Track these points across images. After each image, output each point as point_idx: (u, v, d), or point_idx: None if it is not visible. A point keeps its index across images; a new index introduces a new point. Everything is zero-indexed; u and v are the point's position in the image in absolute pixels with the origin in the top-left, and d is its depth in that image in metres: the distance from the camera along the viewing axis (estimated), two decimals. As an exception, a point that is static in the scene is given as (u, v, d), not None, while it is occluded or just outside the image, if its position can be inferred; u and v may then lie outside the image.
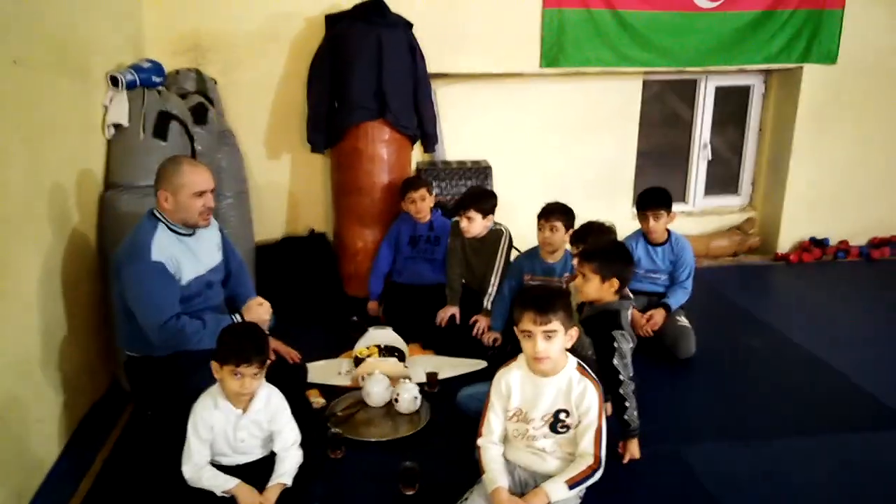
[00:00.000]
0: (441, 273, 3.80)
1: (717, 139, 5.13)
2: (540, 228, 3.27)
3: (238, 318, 2.57)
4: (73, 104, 2.88)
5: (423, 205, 3.72)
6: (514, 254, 3.61)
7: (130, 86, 3.16)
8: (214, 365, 2.10)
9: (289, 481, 2.16)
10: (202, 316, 2.49)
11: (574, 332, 2.12)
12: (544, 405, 2.15)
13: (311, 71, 4.03)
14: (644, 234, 3.53)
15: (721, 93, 4.99)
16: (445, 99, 4.41)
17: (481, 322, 3.49)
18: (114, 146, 3.13)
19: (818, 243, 4.96)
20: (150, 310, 2.38)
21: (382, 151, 3.96)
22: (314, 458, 2.34)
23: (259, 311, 2.63)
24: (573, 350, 2.21)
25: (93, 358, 2.95)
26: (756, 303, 4.15)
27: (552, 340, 2.06)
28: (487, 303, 3.51)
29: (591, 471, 2.11)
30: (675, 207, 4.96)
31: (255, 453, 2.23)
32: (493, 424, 2.21)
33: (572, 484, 2.09)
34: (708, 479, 2.47)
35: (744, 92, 5.04)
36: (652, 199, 3.48)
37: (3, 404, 2.19)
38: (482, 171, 4.30)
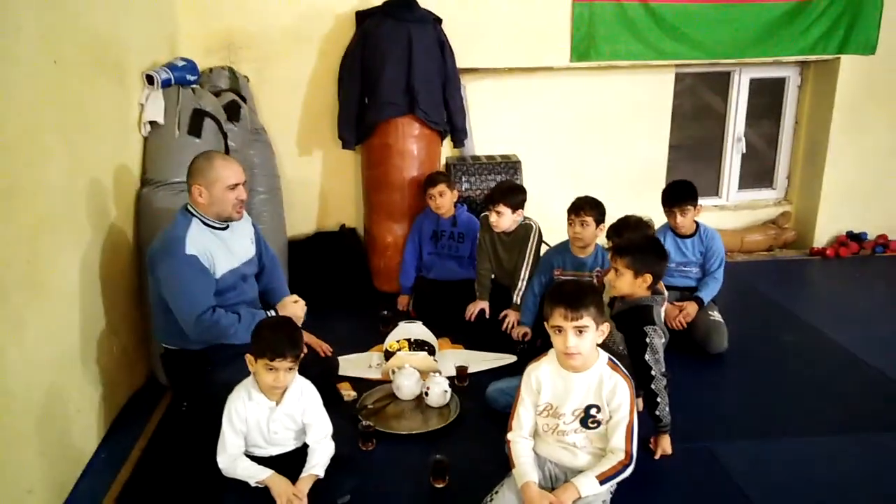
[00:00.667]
0: (468, 269, 3.81)
1: (752, 132, 5.05)
2: (570, 223, 3.25)
3: (273, 314, 2.61)
4: (111, 102, 2.94)
5: (442, 200, 3.73)
6: (543, 248, 3.60)
7: (165, 84, 3.22)
8: (249, 358, 2.14)
9: (321, 472, 2.19)
10: (237, 310, 2.54)
11: (605, 328, 2.11)
12: (575, 400, 2.15)
13: (341, 67, 4.06)
14: (672, 228, 3.50)
15: (755, 85, 4.91)
16: (475, 94, 4.41)
17: (511, 317, 3.49)
18: (150, 143, 3.19)
19: (855, 238, 4.86)
20: (186, 303, 2.43)
21: (412, 147, 3.98)
22: (346, 450, 2.36)
23: (294, 308, 2.68)
24: (604, 345, 2.20)
25: (130, 350, 3.02)
26: (790, 298, 4.08)
27: (583, 336, 2.05)
28: (517, 297, 3.51)
29: (623, 466, 2.10)
30: (709, 202, 5.00)
31: (289, 445, 2.26)
32: (523, 419, 2.22)
33: (603, 479, 2.08)
34: (739, 475, 2.44)
35: (779, 84, 4.95)
36: (678, 195, 3.44)
37: (45, 396, 2.26)
38: (512, 165, 4.29)
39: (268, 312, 2.61)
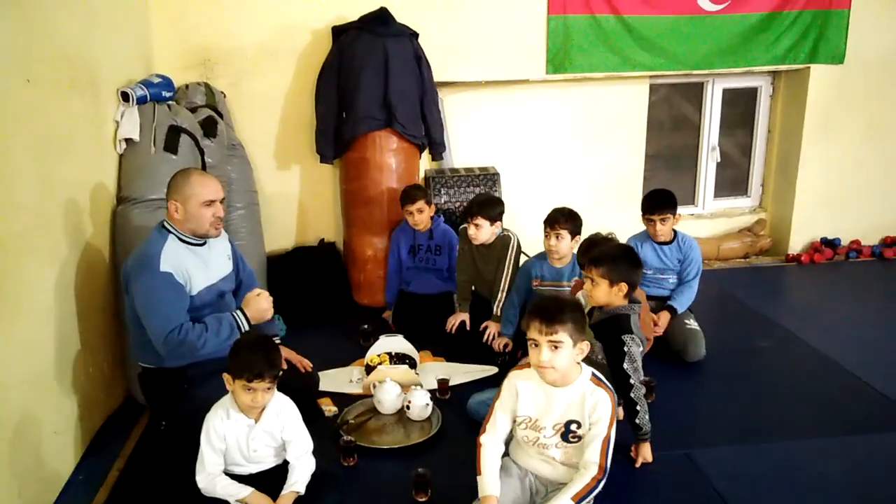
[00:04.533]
0: (447, 282, 3.83)
1: (726, 141, 5.13)
2: (546, 236, 3.27)
3: (239, 314, 2.57)
4: (85, 120, 2.92)
5: (420, 217, 3.74)
6: (522, 259, 3.62)
7: (141, 101, 3.21)
8: (227, 377, 2.12)
9: (302, 489, 2.17)
10: (202, 319, 2.50)
11: (585, 346, 2.09)
12: (555, 415, 2.14)
13: (318, 82, 4.07)
14: (651, 236, 3.53)
15: (728, 95, 4.99)
16: (452, 107, 4.44)
17: (491, 328, 3.50)
18: (125, 161, 3.17)
19: (829, 244, 4.94)
20: (157, 320, 2.40)
21: (391, 160, 3.99)
22: (327, 466, 2.35)
23: (258, 301, 2.62)
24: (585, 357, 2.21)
25: (107, 370, 2.98)
26: (767, 304, 4.13)
27: (558, 351, 2.04)
28: (497, 309, 3.52)
29: (596, 482, 2.07)
30: (685, 210, 5.05)
31: (269, 462, 2.25)
32: (499, 423, 2.19)
33: (578, 499, 2.04)
34: (720, 481, 2.46)
35: (751, 93, 5.04)
36: (658, 203, 3.47)
37: (19, 417, 2.23)
38: (490, 177, 4.31)
39: (234, 314, 2.56)
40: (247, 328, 2.56)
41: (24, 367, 2.29)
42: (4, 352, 2.14)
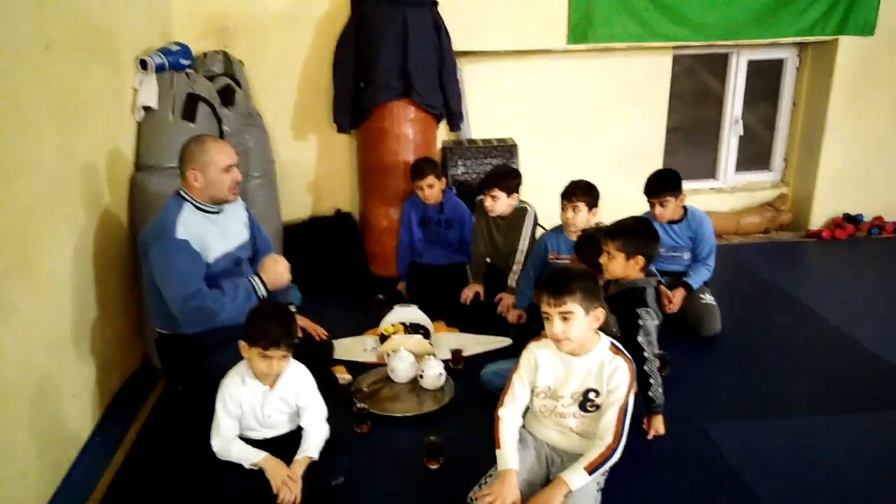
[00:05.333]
0: (457, 254, 3.83)
1: (749, 114, 5.03)
2: (563, 208, 3.24)
3: (256, 279, 2.58)
4: (104, 87, 2.93)
5: (431, 192, 3.72)
6: (539, 231, 3.60)
7: (159, 69, 3.20)
8: (243, 344, 2.14)
9: (315, 455, 2.20)
10: (220, 284, 2.52)
11: (600, 314, 2.08)
12: (574, 384, 2.14)
13: (336, 51, 4.04)
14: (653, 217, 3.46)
15: (753, 66, 4.89)
16: (471, 77, 4.39)
17: (506, 300, 3.50)
18: (144, 128, 3.18)
19: (851, 219, 4.86)
20: (174, 286, 2.42)
21: (408, 130, 3.97)
22: (340, 433, 2.38)
23: (275, 265, 2.64)
24: (600, 328, 2.20)
25: (125, 335, 3.03)
26: (787, 280, 4.08)
27: (569, 322, 2.04)
28: (512, 280, 3.52)
29: (611, 451, 2.06)
30: (706, 184, 5.00)
31: (283, 428, 2.28)
32: (518, 394, 2.19)
33: (591, 469, 2.04)
34: (733, 455, 2.45)
35: (777, 65, 4.93)
36: (656, 187, 3.37)
37: (39, 380, 2.27)
38: (508, 149, 4.28)
39: (250, 278, 2.57)
40: (263, 293, 2.58)
41: (43, 331, 2.32)
42: (25, 316, 2.17)
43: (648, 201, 3.42)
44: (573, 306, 2.03)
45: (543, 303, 2.07)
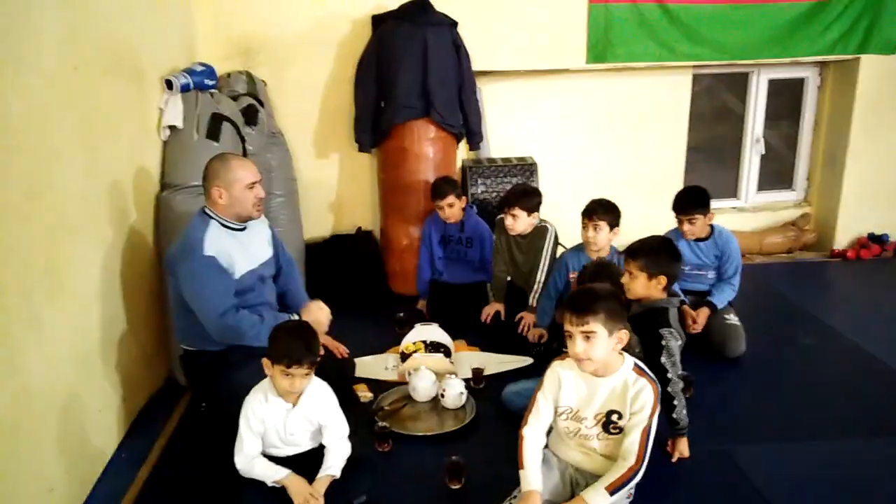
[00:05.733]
0: (478, 273, 3.83)
1: (770, 133, 5.01)
2: (584, 227, 3.23)
3: (296, 317, 2.63)
4: (130, 107, 2.98)
5: (451, 211, 3.72)
6: (559, 250, 3.60)
7: (184, 89, 3.26)
8: (266, 362, 2.16)
9: (337, 473, 2.20)
10: (261, 312, 2.56)
11: (624, 336, 2.07)
12: (596, 405, 2.13)
13: (357, 71, 4.09)
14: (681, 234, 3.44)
15: (774, 85, 4.87)
16: (490, 96, 4.42)
17: (527, 319, 3.48)
18: (169, 147, 3.23)
19: (877, 239, 4.79)
20: (207, 303, 2.45)
21: (428, 150, 3.99)
22: (362, 451, 2.38)
23: (318, 314, 2.70)
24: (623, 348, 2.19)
25: (150, 352, 3.06)
26: (811, 300, 4.04)
27: (591, 342, 2.03)
28: (533, 300, 3.51)
29: (633, 473, 2.05)
30: (727, 203, 4.96)
31: (305, 445, 2.28)
32: (542, 412, 2.18)
33: (613, 490, 2.02)
34: (758, 478, 2.42)
35: (798, 84, 4.91)
36: (685, 204, 3.36)
37: (66, 396, 2.29)
38: (527, 167, 4.29)
39: (290, 316, 2.62)
40: None
41: (71, 346, 2.36)
42: (53, 332, 2.21)
43: (676, 218, 3.40)
44: (596, 326, 2.02)
45: (567, 321, 2.06)
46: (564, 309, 2.09)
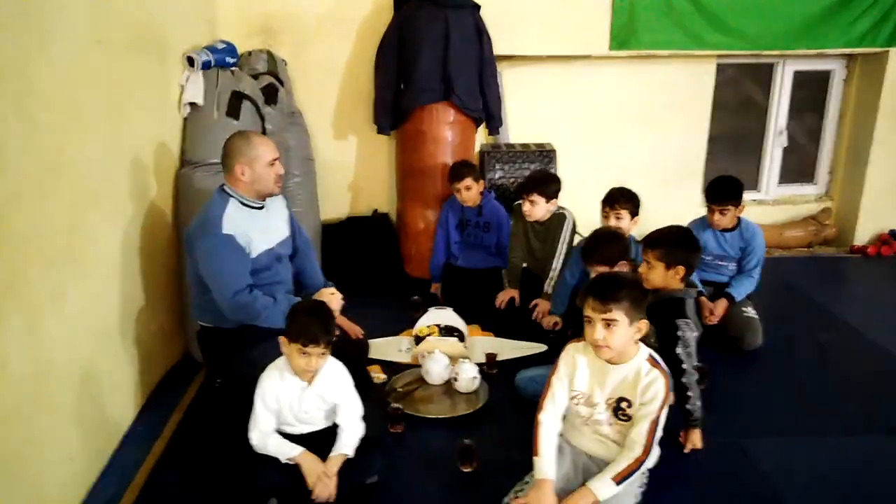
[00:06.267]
0: (494, 259, 3.82)
1: (793, 125, 4.95)
2: (605, 215, 3.22)
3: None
4: (152, 83, 2.99)
5: (468, 194, 3.72)
6: (577, 239, 3.58)
7: (205, 66, 3.26)
8: (282, 340, 2.17)
9: (350, 452, 2.22)
10: (275, 293, 2.56)
11: (643, 325, 2.06)
12: (607, 391, 2.13)
13: (378, 53, 4.07)
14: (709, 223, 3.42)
15: (799, 77, 4.80)
16: (511, 81, 4.39)
17: (541, 306, 3.48)
18: (189, 124, 3.24)
19: (899, 236, 4.74)
20: (223, 281, 2.47)
21: (447, 133, 3.98)
22: (374, 432, 2.39)
23: (330, 300, 2.69)
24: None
25: (167, 327, 3.09)
26: (829, 296, 4.00)
27: (612, 329, 2.02)
28: (548, 287, 3.50)
29: (639, 463, 2.05)
30: (748, 196, 4.90)
31: (319, 424, 2.30)
32: (558, 396, 2.17)
33: (619, 479, 2.03)
34: (770, 472, 2.41)
35: (823, 76, 4.83)
36: (719, 194, 3.32)
37: (84, 368, 2.32)
38: (546, 154, 4.27)
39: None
40: None
41: (90, 320, 2.38)
42: (73, 305, 2.23)
43: (707, 206, 3.37)
44: (618, 314, 2.01)
45: (588, 307, 2.05)
46: (587, 293, 2.07)
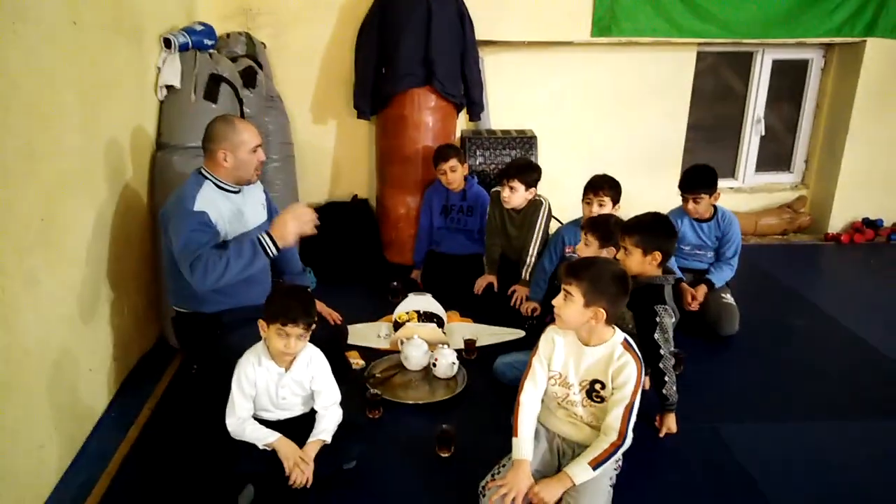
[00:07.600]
0: (477, 243, 3.82)
1: (770, 114, 4.99)
2: (587, 202, 3.22)
3: (265, 236, 2.40)
4: (128, 65, 2.93)
5: (453, 175, 3.71)
6: (553, 224, 3.59)
7: (183, 48, 3.21)
8: (261, 323, 2.16)
9: (328, 438, 2.21)
10: (251, 281, 2.50)
11: (600, 315, 2.06)
12: (581, 371, 2.16)
13: (359, 37, 4.03)
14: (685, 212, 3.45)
15: (777, 66, 4.84)
16: (493, 67, 4.37)
17: (519, 292, 3.49)
18: (166, 107, 3.19)
19: (871, 224, 4.81)
20: (189, 251, 2.34)
21: (428, 119, 3.96)
22: (353, 417, 2.39)
23: (283, 217, 2.45)
24: (616, 323, 2.20)
25: (142, 312, 3.05)
26: (803, 283, 4.06)
27: (566, 302, 2.10)
28: (526, 273, 3.51)
29: (615, 448, 2.08)
30: (725, 183, 4.95)
31: (296, 410, 2.29)
32: (538, 375, 2.21)
33: (596, 464, 2.06)
34: (744, 456, 2.45)
35: (801, 66, 4.87)
36: (692, 182, 3.35)
37: (58, 354, 2.29)
38: (527, 141, 4.26)
39: (260, 235, 2.41)
40: (273, 251, 2.41)
41: (63, 305, 2.35)
42: (46, 290, 2.19)
43: (682, 196, 3.40)
44: (573, 290, 2.08)
45: (560, 276, 2.17)
46: (564, 265, 2.19)
